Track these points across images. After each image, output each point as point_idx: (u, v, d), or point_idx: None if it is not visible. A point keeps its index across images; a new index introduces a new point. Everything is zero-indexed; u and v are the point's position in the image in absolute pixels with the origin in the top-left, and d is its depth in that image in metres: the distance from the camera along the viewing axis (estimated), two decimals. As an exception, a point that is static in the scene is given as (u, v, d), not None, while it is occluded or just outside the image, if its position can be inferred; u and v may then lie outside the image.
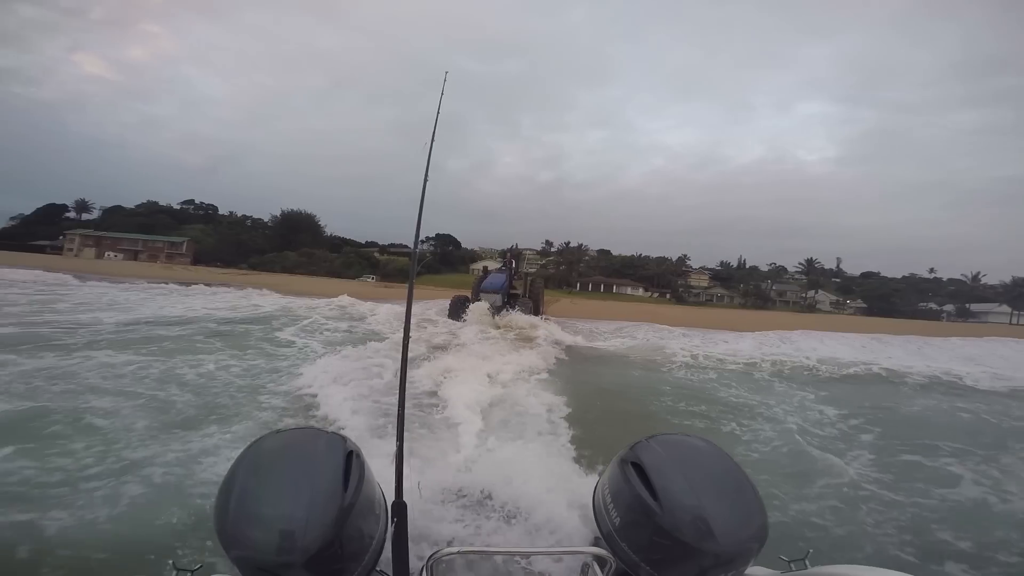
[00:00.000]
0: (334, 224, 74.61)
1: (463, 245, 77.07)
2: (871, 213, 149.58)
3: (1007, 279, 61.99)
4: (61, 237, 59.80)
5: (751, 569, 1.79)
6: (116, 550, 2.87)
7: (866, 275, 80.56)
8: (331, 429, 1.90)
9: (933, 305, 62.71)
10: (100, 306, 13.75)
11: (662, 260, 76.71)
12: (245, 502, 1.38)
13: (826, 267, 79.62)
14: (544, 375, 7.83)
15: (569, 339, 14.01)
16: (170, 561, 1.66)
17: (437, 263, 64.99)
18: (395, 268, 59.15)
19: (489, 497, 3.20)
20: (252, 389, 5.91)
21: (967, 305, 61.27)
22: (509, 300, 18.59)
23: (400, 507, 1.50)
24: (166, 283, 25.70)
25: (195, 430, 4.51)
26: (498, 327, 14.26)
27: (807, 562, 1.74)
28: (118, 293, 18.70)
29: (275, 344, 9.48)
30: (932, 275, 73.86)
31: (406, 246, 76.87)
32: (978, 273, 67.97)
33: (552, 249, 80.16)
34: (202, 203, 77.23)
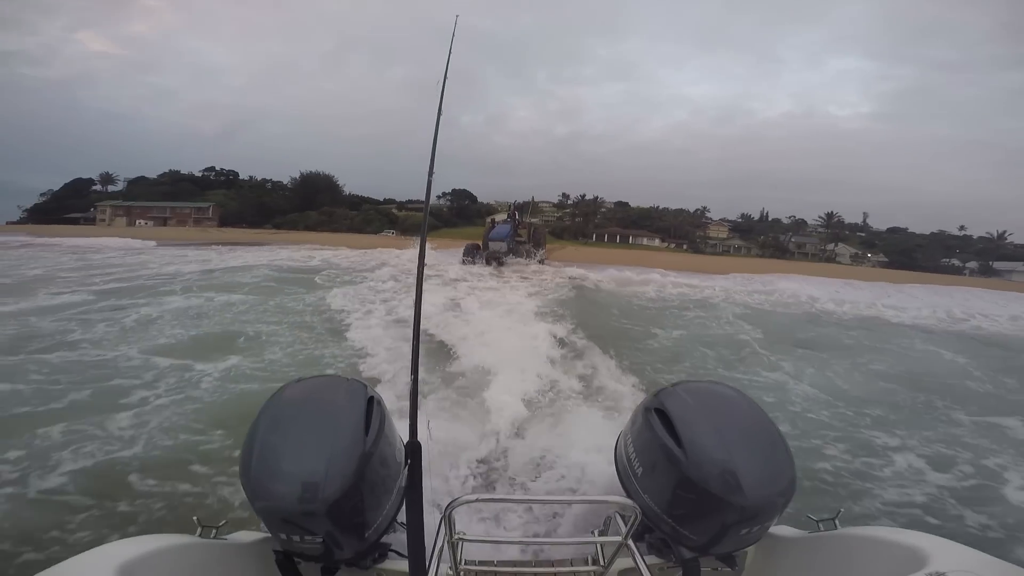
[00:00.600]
0: (352, 183, 76.58)
1: (479, 199, 78.12)
2: (903, 170, 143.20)
3: None
4: (92, 209, 63.07)
5: (776, 528, 1.77)
6: (142, 503, 2.98)
7: (892, 230, 79.07)
8: (352, 376, 1.87)
9: (956, 261, 61.86)
10: (197, 263, 17.01)
11: (680, 212, 76.56)
12: (268, 454, 1.43)
13: (851, 222, 78.68)
14: (535, 306, 9.74)
15: (554, 277, 16.71)
16: (195, 517, 1.67)
17: (453, 217, 66.45)
18: (413, 223, 61.17)
19: (506, 448, 3.28)
20: (331, 322, 7.62)
21: (990, 263, 60.18)
22: (514, 247, 20.96)
23: (415, 447, 1.43)
24: (210, 245, 28.61)
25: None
26: (500, 276, 16.44)
27: (836, 522, 1.68)
28: (195, 253, 21.99)
29: (336, 283, 12.29)
30: (962, 232, 72.19)
31: (423, 201, 78.37)
32: (1004, 232, 66.23)
33: (568, 201, 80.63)
34: (222, 169, 79.46)
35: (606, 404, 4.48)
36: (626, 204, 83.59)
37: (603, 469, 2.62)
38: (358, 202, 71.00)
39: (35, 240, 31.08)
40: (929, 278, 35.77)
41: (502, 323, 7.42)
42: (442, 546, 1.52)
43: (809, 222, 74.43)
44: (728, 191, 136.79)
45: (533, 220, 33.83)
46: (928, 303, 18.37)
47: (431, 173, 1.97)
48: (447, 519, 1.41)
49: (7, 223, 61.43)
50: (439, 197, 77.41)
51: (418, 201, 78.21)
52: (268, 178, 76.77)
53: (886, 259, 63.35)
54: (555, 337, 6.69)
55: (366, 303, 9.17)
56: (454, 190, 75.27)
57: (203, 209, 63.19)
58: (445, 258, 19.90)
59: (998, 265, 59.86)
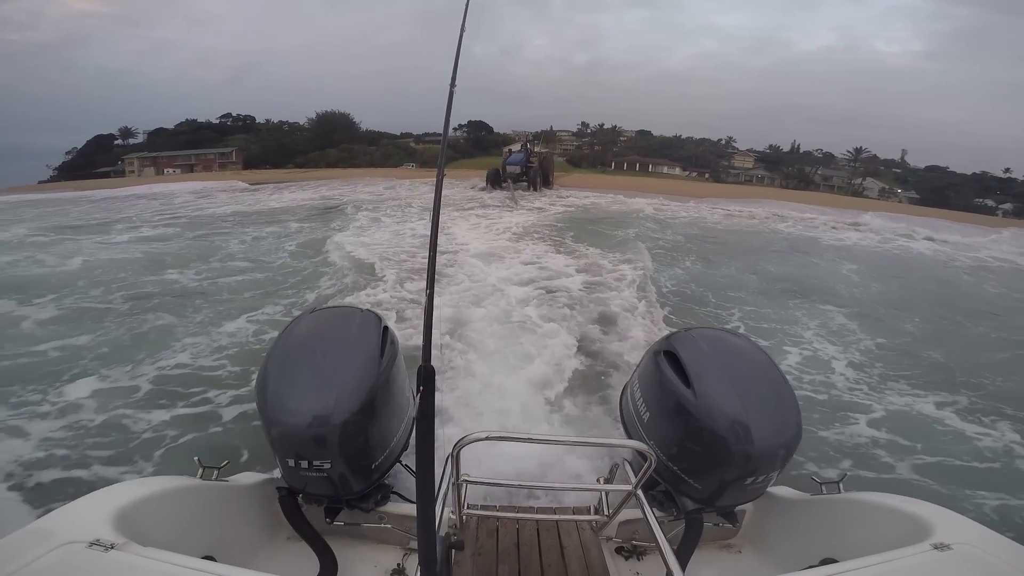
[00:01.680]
0: (368, 120, 77.06)
1: (495, 130, 78.07)
2: (954, 110, 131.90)
3: None
4: (120, 162, 65.62)
5: (775, 488, 1.88)
6: (150, 441, 3.04)
7: (931, 168, 76.01)
8: (366, 307, 1.85)
9: (990, 202, 60.40)
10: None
11: (705, 141, 75.15)
12: (282, 382, 1.50)
13: (887, 158, 76.10)
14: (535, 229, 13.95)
15: (551, 203, 21.39)
16: (196, 457, 1.65)
17: (470, 148, 67.53)
18: (431, 155, 62.75)
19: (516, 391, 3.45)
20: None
21: None
22: (526, 171, 26.28)
23: (428, 373, 1.32)
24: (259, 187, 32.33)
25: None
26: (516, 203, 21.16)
27: (841, 486, 1.74)
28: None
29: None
30: (1006, 175, 69.30)
31: (438, 133, 78.79)
32: (1007, 169, 63.59)
33: (588, 130, 79.96)
34: (239, 115, 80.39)
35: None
36: (648, 133, 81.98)
37: (603, 419, 2.64)
38: (376, 137, 72.09)
39: (89, 194, 31.51)
40: (939, 213, 36.66)
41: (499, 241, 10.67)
42: (447, 488, 1.57)
43: (841, 156, 72.73)
44: (758, 123, 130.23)
45: (542, 150, 38.47)
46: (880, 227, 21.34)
47: (451, 94, 1.86)
48: (454, 458, 1.44)
49: (39, 182, 63.52)
50: (455, 129, 77.82)
51: (435, 134, 78.24)
52: (284, 120, 78.31)
53: (917, 196, 62.38)
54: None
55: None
56: (470, 122, 75.26)
57: (226, 154, 65.51)
58: (465, 186, 23.90)
59: None
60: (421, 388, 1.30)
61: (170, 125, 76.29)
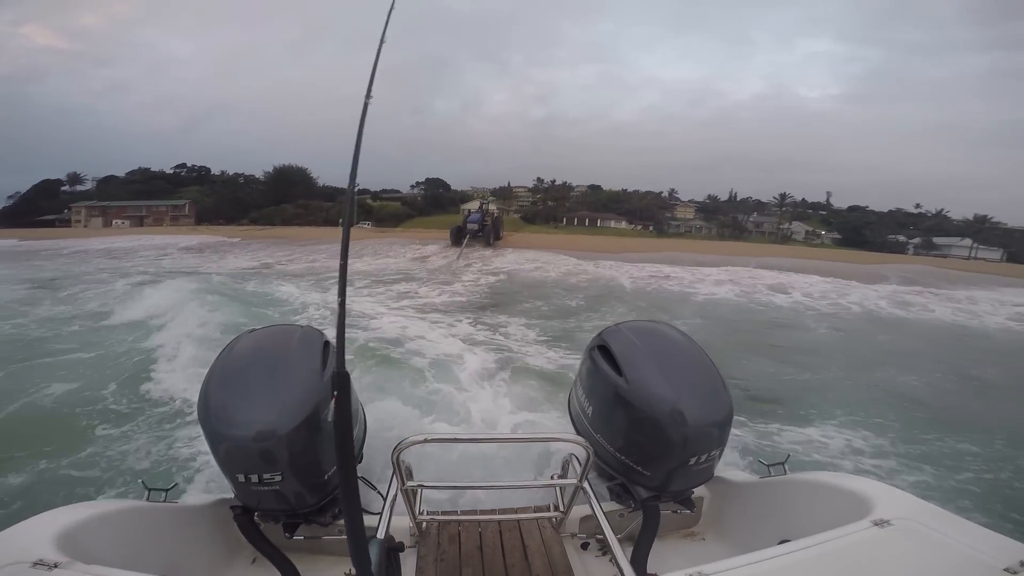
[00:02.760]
0: (326, 174, 79.83)
1: (454, 187, 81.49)
2: (871, 150, 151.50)
3: (1006, 218, 68.10)
4: (66, 210, 65.01)
5: (729, 473, 2.11)
6: (90, 469, 3.05)
7: (852, 208, 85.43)
8: (305, 323, 1.80)
9: (902, 237, 68.57)
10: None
11: (649, 194, 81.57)
12: (225, 398, 1.54)
13: (814, 201, 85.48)
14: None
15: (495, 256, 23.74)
16: (140, 480, 1.65)
17: (427, 206, 70.14)
18: (389, 213, 65.04)
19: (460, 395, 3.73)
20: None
21: (932, 239, 66.74)
22: (483, 228, 31.89)
23: (342, 378, 1.34)
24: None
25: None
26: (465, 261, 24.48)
27: (786, 467, 1.90)
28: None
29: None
30: (917, 210, 79.35)
31: (398, 191, 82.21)
32: (942, 209, 73.94)
33: (543, 185, 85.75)
34: (194, 165, 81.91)
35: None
36: (598, 187, 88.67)
37: (557, 421, 2.80)
38: (333, 193, 73.76)
39: (39, 245, 32.34)
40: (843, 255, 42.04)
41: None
42: (395, 495, 1.63)
43: (769, 202, 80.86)
44: (700, 173, 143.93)
45: (494, 210, 44.20)
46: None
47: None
48: (396, 464, 1.50)
49: (-21, 228, 63.50)
50: (412, 187, 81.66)
51: (393, 191, 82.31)
52: (240, 172, 79.50)
53: (839, 236, 70.09)
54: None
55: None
56: (428, 179, 79.33)
57: (179, 207, 65.93)
58: (421, 247, 25.88)
59: (938, 240, 66.38)
60: (336, 393, 1.33)
61: (121, 172, 76.54)
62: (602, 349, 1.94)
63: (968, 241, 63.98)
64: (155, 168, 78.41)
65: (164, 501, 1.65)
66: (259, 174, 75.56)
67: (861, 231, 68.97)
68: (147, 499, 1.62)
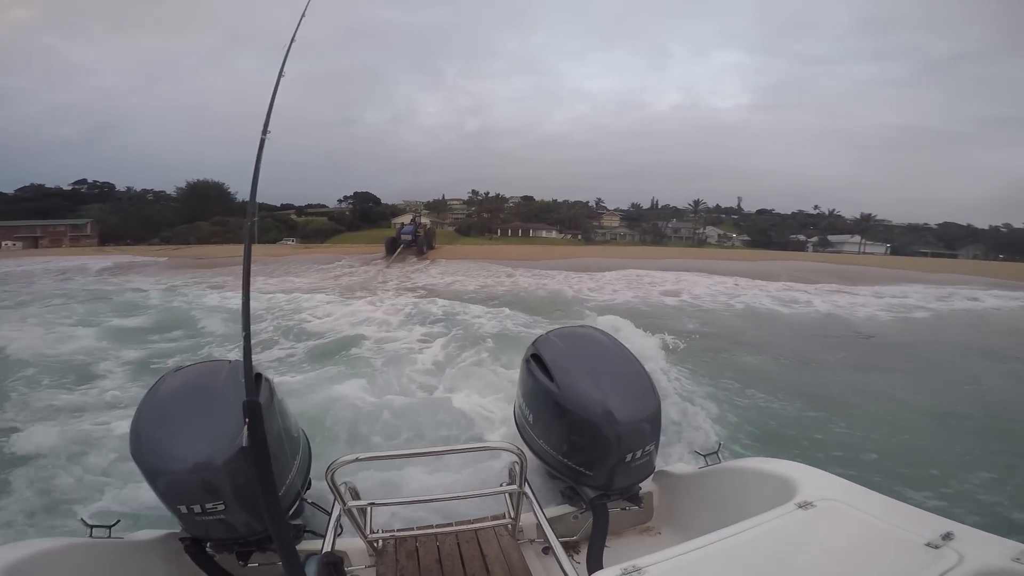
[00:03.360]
0: (245, 189, 76.47)
1: (385, 200, 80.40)
2: (776, 157, 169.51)
3: (892, 217, 78.37)
4: None
5: (672, 467, 2.30)
6: (26, 507, 2.97)
7: (761, 212, 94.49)
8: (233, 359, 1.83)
9: (802, 237, 76.71)
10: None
11: (577, 204, 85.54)
12: (158, 436, 1.57)
13: (727, 206, 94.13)
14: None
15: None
16: (81, 517, 1.62)
17: (356, 220, 69.35)
18: (315, 229, 63.95)
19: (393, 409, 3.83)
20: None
21: (828, 237, 75.18)
22: (415, 239, 34.09)
23: (252, 406, 1.44)
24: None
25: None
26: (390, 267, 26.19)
27: (720, 456, 2.08)
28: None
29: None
30: (815, 211, 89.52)
31: (325, 206, 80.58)
32: (834, 210, 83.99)
33: (478, 197, 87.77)
34: (96, 181, 75.49)
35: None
36: (531, 198, 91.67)
37: (506, 431, 3.00)
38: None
39: None
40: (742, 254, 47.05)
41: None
42: (338, 515, 1.66)
43: (685, 208, 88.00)
44: (625, 181, 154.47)
45: (426, 222, 45.92)
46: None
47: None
48: (333, 485, 1.53)
49: None
50: (340, 201, 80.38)
51: (319, 205, 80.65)
52: (149, 188, 74.62)
53: (748, 238, 77.44)
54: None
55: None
56: (356, 193, 78.36)
57: (79, 226, 60.90)
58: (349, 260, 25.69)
59: (832, 238, 74.79)
60: (248, 420, 1.40)
61: (10, 189, 69.09)
62: (535, 358, 2.07)
63: (858, 238, 72.94)
64: (50, 185, 71.85)
65: (109, 537, 1.64)
66: (171, 190, 71.47)
67: (767, 232, 76.55)
68: (91, 535, 1.62)
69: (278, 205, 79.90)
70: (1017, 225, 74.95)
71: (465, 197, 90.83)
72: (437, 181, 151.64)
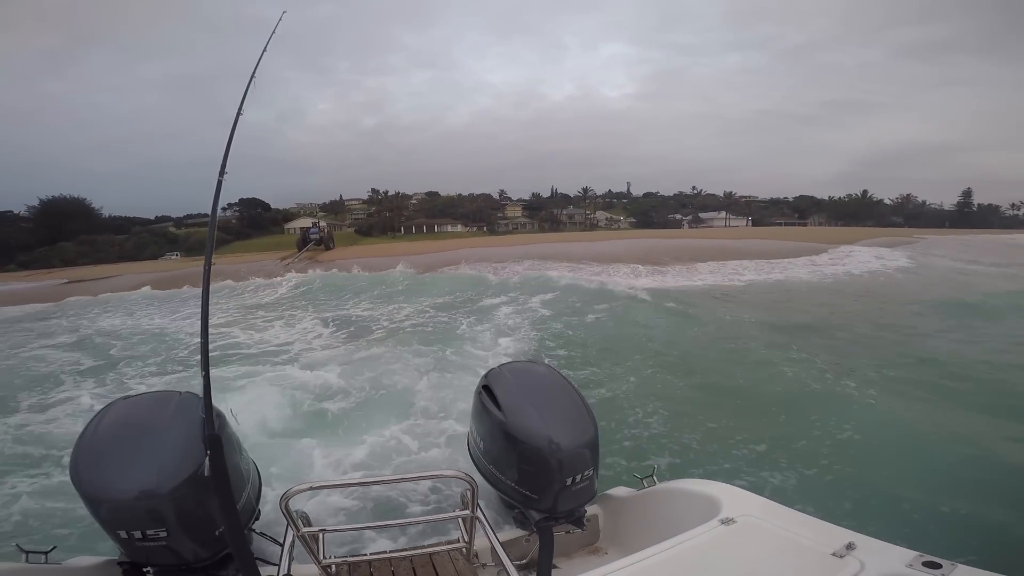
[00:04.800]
0: (111, 202, 71.26)
1: (275, 205, 78.60)
2: (660, 143, 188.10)
3: (760, 193, 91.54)
4: None
5: (614, 490, 2.49)
6: None
7: (647, 195, 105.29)
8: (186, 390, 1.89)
9: (679, 216, 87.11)
10: None
11: (481, 196, 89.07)
12: (101, 463, 1.59)
13: (618, 191, 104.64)
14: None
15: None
16: (15, 543, 1.63)
17: (245, 228, 67.60)
18: (199, 241, 61.85)
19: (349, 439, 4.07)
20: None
21: (699, 214, 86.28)
22: (321, 239, 42.82)
23: (213, 439, 1.52)
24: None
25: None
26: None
27: (655, 478, 2.24)
28: None
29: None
30: (693, 191, 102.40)
31: (207, 215, 77.27)
32: (703, 189, 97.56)
33: (378, 196, 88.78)
34: None
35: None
36: (436, 193, 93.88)
37: (458, 459, 3.15)
38: (124, 224, 67.02)
39: None
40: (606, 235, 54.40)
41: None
42: (292, 542, 1.70)
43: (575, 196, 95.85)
44: (527, 171, 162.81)
45: (323, 225, 50.75)
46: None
47: (220, 184, 1.92)
48: (287, 512, 1.59)
49: None
50: (225, 209, 77.50)
51: (200, 215, 76.81)
52: (-11, 207, 67.12)
53: (634, 220, 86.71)
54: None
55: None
56: (241, 200, 75.70)
57: None
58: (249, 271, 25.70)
59: (703, 215, 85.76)
60: (209, 452, 1.49)
61: None
62: (486, 389, 2.30)
63: (724, 214, 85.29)
64: None
65: (46, 563, 1.68)
66: (20, 209, 64.09)
67: (649, 214, 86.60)
68: (26, 561, 1.66)
69: (153, 218, 75.79)
70: (856, 194, 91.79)
71: (365, 196, 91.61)
72: (333, 181, 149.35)
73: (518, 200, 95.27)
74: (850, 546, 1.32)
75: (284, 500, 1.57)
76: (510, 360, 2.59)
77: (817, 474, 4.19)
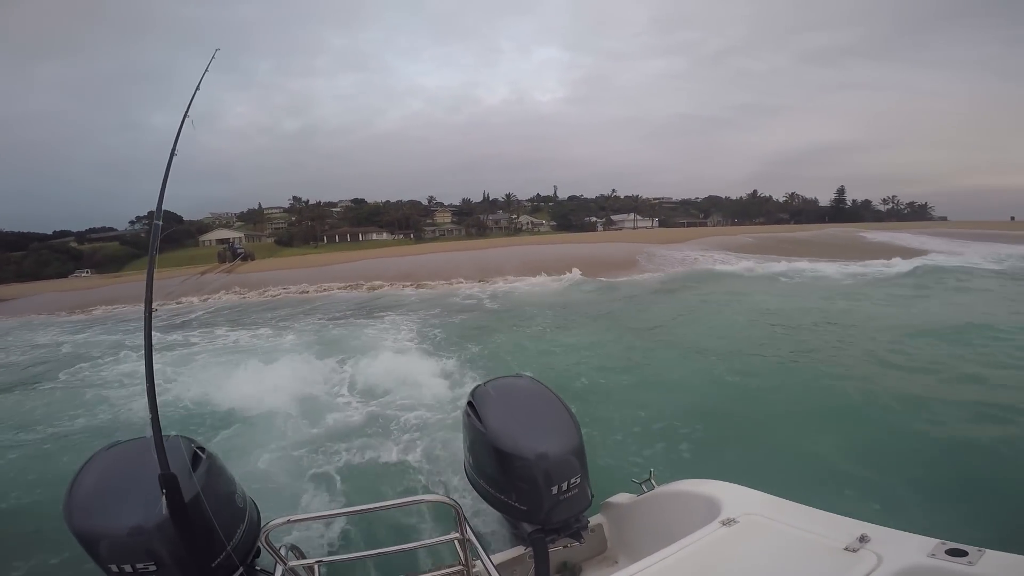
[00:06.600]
0: (2, 217, 67.15)
1: (188, 217, 76.95)
2: (588, 146, 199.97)
3: (677, 194, 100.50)
4: None
5: (615, 497, 2.51)
6: None
7: (571, 198, 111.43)
8: (175, 433, 1.97)
9: (593, 218, 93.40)
10: None
11: (409, 203, 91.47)
12: (91, 505, 1.70)
13: (546, 194, 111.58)
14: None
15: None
16: None
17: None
18: (107, 255, 60.13)
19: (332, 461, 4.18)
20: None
21: (611, 216, 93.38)
22: (244, 254, 50.02)
23: (168, 479, 1.58)
24: None
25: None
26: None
27: (653, 482, 2.25)
28: None
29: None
30: (612, 194, 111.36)
31: (113, 228, 75.19)
32: (614, 191, 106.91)
33: (300, 204, 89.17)
34: None
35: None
36: (363, 200, 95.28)
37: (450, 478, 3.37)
38: (19, 241, 63.74)
39: None
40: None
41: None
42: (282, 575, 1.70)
43: (501, 200, 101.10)
44: (461, 174, 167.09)
45: (239, 235, 53.84)
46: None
47: (160, 208, 1.94)
48: (268, 547, 1.64)
49: None
50: (132, 222, 75.09)
51: (104, 229, 74.64)
52: None
53: (555, 223, 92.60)
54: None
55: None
56: (150, 212, 74.22)
57: None
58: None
59: (615, 217, 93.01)
60: (165, 491, 1.57)
61: None
62: (471, 406, 2.39)
63: (633, 215, 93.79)
64: None
65: None
66: None
67: (568, 217, 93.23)
68: None
69: (50, 232, 72.42)
70: (762, 194, 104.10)
71: (287, 205, 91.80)
72: (251, 188, 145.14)
73: (449, 206, 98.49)
74: (863, 538, 1.30)
75: (264, 534, 1.67)
76: (494, 376, 2.79)
77: (819, 465, 4.16)
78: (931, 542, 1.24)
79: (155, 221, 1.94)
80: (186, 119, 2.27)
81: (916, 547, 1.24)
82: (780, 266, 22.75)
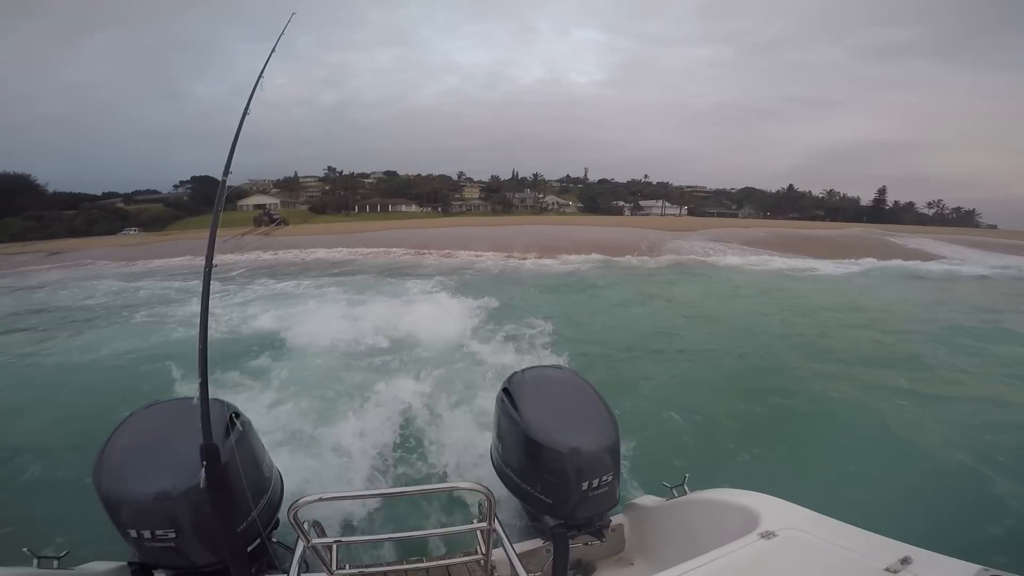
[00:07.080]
0: (56, 178, 70.69)
1: (228, 183, 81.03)
2: (623, 130, 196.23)
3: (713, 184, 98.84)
4: None
5: (641, 499, 2.48)
6: None
7: (602, 181, 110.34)
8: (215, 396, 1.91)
9: (621, 202, 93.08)
10: None
11: (439, 177, 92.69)
12: (121, 466, 1.68)
13: (576, 176, 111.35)
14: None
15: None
16: (24, 549, 1.69)
17: (197, 204, 68.75)
18: (151, 216, 63.17)
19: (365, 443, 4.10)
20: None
21: (639, 202, 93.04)
22: (279, 219, 55.50)
23: (211, 449, 1.57)
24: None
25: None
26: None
27: (686, 487, 2.20)
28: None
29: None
30: (645, 179, 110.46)
31: (156, 191, 78.62)
32: (646, 176, 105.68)
33: (334, 175, 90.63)
34: None
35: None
36: (395, 173, 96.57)
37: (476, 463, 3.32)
38: (71, 200, 67.05)
39: None
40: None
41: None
42: (301, 554, 1.73)
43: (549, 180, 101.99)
44: (492, 152, 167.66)
45: (275, 202, 57.76)
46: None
47: (227, 170, 2.00)
48: (295, 523, 1.63)
49: None
50: (176, 186, 78.15)
51: (149, 191, 78.19)
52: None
53: (582, 205, 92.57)
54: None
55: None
56: (193, 177, 75.87)
57: None
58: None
59: (643, 203, 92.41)
60: (205, 463, 1.56)
61: None
62: (506, 393, 2.36)
63: (662, 202, 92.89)
64: None
65: (58, 568, 1.75)
66: None
67: (596, 200, 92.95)
68: (37, 566, 1.73)
69: (100, 194, 76.28)
70: (800, 188, 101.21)
71: (321, 174, 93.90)
72: (289, 158, 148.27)
73: (478, 182, 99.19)
74: (905, 560, 1.27)
75: (292, 511, 1.62)
76: (532, 365, 2.66)
77: (864, 484, 4.03)
78: (974, 567, 1.23)
79: (223, 177, 2.03)
80: (260, 80, 2.41)
81: (959, 572, 1.23)
82: (777, 263, 23.95)
